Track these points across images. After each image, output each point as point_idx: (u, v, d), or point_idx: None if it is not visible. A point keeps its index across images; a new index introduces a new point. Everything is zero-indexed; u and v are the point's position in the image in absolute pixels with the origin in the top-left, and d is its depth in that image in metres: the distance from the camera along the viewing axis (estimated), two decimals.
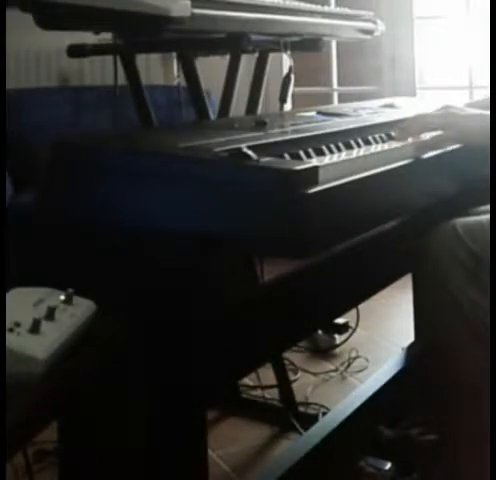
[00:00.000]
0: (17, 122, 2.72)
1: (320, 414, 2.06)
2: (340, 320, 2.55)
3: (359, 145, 1.32)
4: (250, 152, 1.03)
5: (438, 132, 1.34)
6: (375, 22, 1.99)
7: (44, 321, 0.94)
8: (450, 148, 1.34)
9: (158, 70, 3.34)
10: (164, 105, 2.02)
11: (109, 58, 1.73)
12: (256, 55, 1.86)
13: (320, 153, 1.22)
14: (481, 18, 3.32)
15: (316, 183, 1.00)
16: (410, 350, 2.13)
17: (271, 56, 1.88)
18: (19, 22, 1.36)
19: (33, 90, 3.22)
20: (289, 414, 2.08)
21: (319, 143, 1.25)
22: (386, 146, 1.34)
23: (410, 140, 1.34)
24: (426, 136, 1.35)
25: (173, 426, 1.13)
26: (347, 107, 1.75)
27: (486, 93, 3.18)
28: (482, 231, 1.33)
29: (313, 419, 2.01)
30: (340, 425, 1.72)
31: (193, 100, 1.75)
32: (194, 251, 1.05)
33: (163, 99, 2.17)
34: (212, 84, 1.86)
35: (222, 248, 1.05)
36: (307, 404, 2.17)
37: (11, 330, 0.91)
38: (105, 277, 1.11)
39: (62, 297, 1.01)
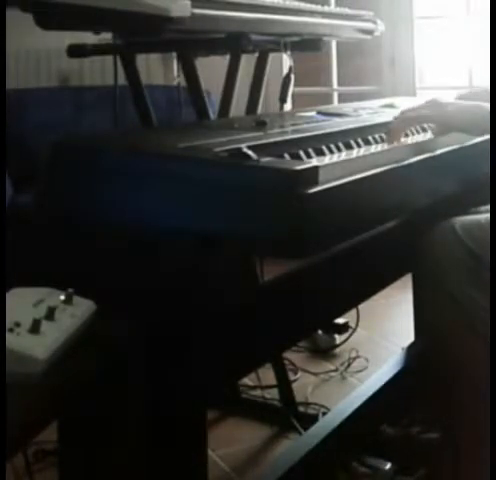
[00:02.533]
0: (17, 122, 2.73)
1: (320, 414, 2.06)
2: (340, 320, 2.55)
3: (359, 145, 1.32)
4: (250, 152, 1.03)
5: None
6: (375, 22, 1.99)
7: (44, 321, 0.94)
8: (450, 148, 1.34)
9: (158, 70, 3.34)
10: (164, 105, 2.02)
11: (109, 58, 1.73)
12: (256, 55, 1.86)
13: (320, 153, 1.22)
14: (481, 18, 3.32)
15: (316, 183, 1.00)
16: (410, 350, 2.13)
17: (271, 56, 1.88)
18: (19, 22, 1.36)
19: (33, 90, 3.23)
20: (289, 414, 2.08)
21: (319, 143, 1.25)
22: (386, 146, 1.34)
23: (399, 141, 1.34)
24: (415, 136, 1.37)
25: (173, 426, 1.13)
26: (347, 107, 1.75)
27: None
28: (481, 230, 1.33)
29: (313, 419, 2.01)
30: (340, 425, 1.72)
31: (193, 100, 1.75)
32: (194, 251, 1.05)
33: (163, 99, 2.17)
34: (212, 84, 1.86)
35: (222, 248, 1.05)
36: (307, 404, 2.16)
37: (11, 330, 0.91)
38: (105, 277, 1.11)
39: (62, 297, 1.01)
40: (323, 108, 1.71)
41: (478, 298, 1.29)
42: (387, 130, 1.37)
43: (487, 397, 1.23)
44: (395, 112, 1.66)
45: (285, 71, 1.91)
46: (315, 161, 1.14)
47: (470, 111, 1.35)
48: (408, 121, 1.37)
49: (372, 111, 1.67)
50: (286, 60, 1.88)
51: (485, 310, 1.27)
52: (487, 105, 1.34)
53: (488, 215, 1.37)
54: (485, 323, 1.27)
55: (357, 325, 2.53)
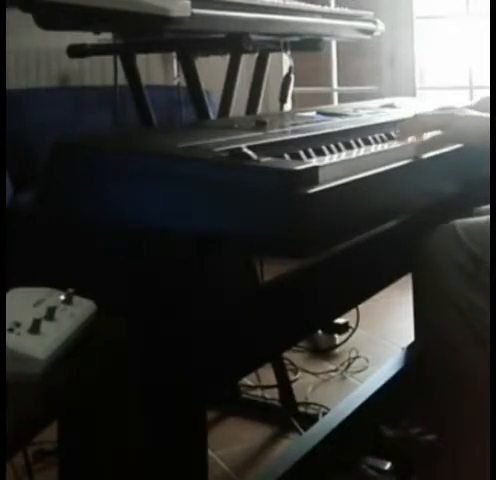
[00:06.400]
0: (17, 122, 2.72)
1: (320, 414, 2.06)
2: (340, 320, 2.55)
3: (359, 145, 1.32)
4: (250, 152, 1.03)
5: (436, 132, 1.34)
6: (375, 22, 1.99)
7: (44, 321, 0.94)
8: (450, 148, 1.34)
9: (158, 70, 3.34)
10: (164, 105, 2.02)
11: (109, 58, 1.73)
12: (256, 55, 1.86)
13: (320, 153, 1.22)
14: (481, 18, 3.32)
15: (316, 183, 1.00)
16: (410, 350, 2.13)
17: (271, 56, 1.88)
18: (19, 22, 1.36)
19: (33, 90, 3.22)
20: (289, 414, 2.08)
21: (319, 143, 1.25)
22: (386, 146, 1.34)
23: (409, 140, 1.34)
24: (424, 136, 1.35)
25: (173, 426, 1.13)
26: (347, 107, 1.75)
27: (486, 93, 3.18)
28: (482, 232, 1.33)
29: (313, 419, 2.01)
30: (340, 425, 1.72)
31: (193, 100, 1.75)
32: (194, 251, 1.05)
33: (163, 99, 2.17)
34: (212, 84, 1.86)
35: (222, 248, 1.05)
36: (307, 404, 2.16)
37: (11, 330, 0.91)
38: (105, 277, 1.11)
39: (62, 297, 1.01)
40: (323, 108, 1.70)
41: (478, 300, 1.29)
42: (399, 128, 1.36)
43: (487, 397, 1.23)
44: (395, 112, 1.67)
45: (285, 71, 1.91)
46: (315, 161, 1.14)
47: (484, 125, 1.32)
48: (420, 126, 1.35)
49: (372, 111, 1.67)
50: (286, 60, 1.88)
51: (485, 312, 1.27)
52: None
53: (489, 217, 1.37)
54: (484, 325, 1.26)
55: (357, 325, 2.53)
